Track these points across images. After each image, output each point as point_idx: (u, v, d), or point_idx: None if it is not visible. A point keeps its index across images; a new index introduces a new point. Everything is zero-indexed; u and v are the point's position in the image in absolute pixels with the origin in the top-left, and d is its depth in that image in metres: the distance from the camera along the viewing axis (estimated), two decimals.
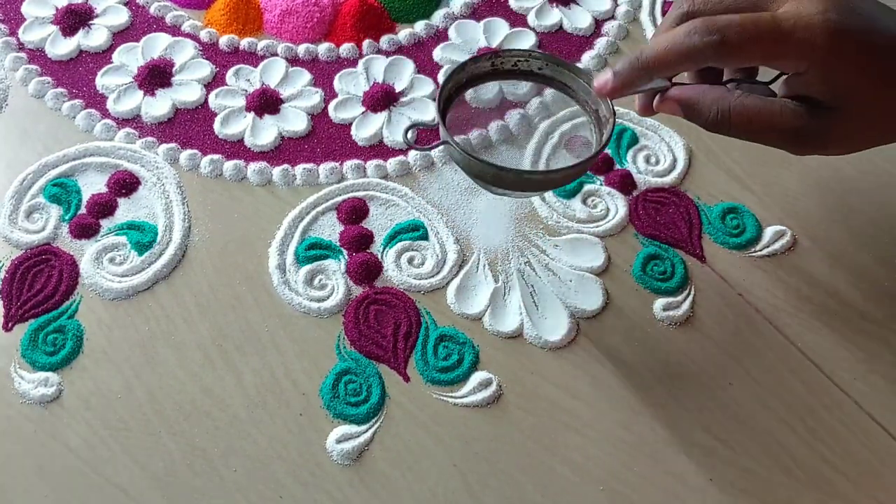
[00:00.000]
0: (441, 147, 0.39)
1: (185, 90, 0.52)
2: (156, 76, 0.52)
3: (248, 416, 0.40)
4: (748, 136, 0.36)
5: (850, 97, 0.34)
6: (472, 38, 0.55)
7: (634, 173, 0.49)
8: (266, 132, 0.50)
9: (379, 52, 0.55)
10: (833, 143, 0.36)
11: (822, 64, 0.33)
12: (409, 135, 0.38)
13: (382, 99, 0.51)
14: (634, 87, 0.36)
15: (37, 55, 0.53)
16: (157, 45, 0.54)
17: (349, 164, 0.49)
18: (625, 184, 0.48)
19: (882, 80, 0.34)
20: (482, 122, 0.51)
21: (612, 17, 0.57)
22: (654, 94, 0.38)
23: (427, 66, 0.54)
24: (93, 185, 0.47)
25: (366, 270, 0.44)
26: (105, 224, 0.46)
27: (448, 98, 0.39)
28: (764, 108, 0.35)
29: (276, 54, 0.54)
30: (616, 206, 0.47)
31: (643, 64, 0.35)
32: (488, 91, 0.51)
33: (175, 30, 0.55)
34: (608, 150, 0.50)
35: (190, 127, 0.50)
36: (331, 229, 0.46)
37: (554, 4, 0.57)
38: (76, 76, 0.52)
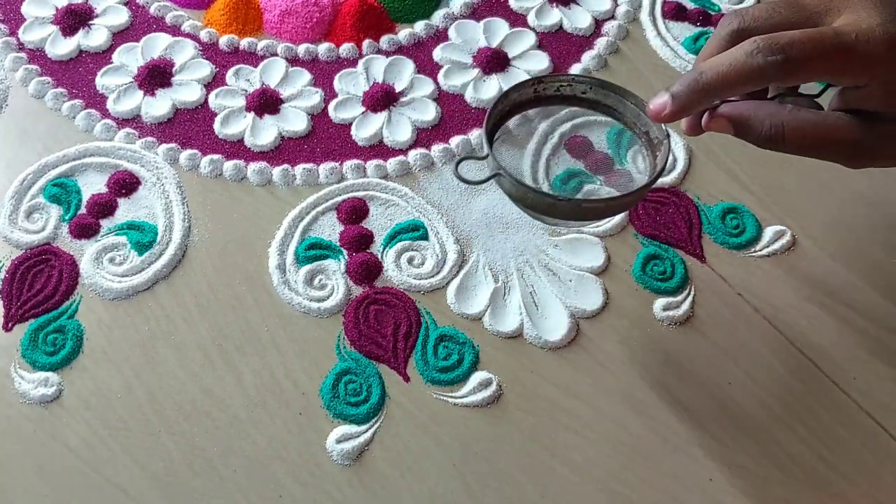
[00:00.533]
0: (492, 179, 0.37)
1: (185, 90, 0.52)
2: (156, 76, 0.52)
3: (247, 416, 0.40)
4: (802, 151, 0.36)
5: None
6: (471, 38, 0.55)
7: (634, 173, 0.49)
8: (266, 132, 0.50)
9: (379, 52, 0.55)
10: (890, 155, 0.35)
11: (885, 77, 0.33)
12: (460, 169, 0.36)
13: (382, 99, 0.51)
14: (694, 111, 0.35)
15: (37, 55, 0.53)
16: (157, 45, 0.54)
17: (349, 164, 0.49)
18: (625, 184, 0.48)
19: None
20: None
21: (612, 17, 0.57)
22: (703, 113, 0.36)
23: (427, 66, 0.54)
24: (93, 185, 0.48)
25: (366, 270, 0.45)
26: (105, 224, 0.46)
27: (493, 128, 0.38)
28: (819, 122, 0.35)
29: (276, 54, 0.54)
30: None
31: (704, 87, 0.34)
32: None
33: (175, 30, 0.55)
34: (608, 151, 0.50)
35: (190, 127, 0.50)
36: (331, 229, 0.46)
37: (554, 4, 0.57)
38: (76, 76, 0.52)
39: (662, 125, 0.36)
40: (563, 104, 0.40)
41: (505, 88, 0.39)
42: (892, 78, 0.33)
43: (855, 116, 0.35)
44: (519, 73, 0.54)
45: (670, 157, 0.49)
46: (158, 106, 0.51)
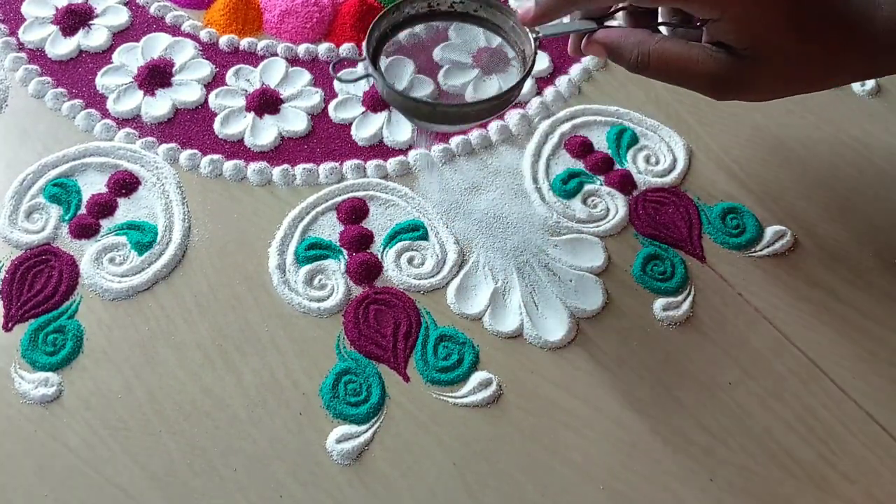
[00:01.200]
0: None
1: (185, 90, 0.52)
2: (156, 76, 0.52)
3: (248, 416, 0.40)
4: (668, 79, 0.37)
5: (765, 47, 0.35)
6: (471, 38, 0.55)
7: (634, 173, 0.49)
8: (266, 132, 0.50)
9: None
10: (749, 90, 0.37)
11: (736, 12, 0.34)
12: (340, 73, 0.40)
13: (382, 99, 0.51)
14: (556, 15, 0.38)
15: (37, 55, 0.53)
16: (157, 45, 0.54)
17: (349, 164, 0.49)
18: (625, 184, 0.48)
19: (797, 33, 0.34)
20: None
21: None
22: (583, 36, 0.39)
23: (427, 66, 0.54)
24: (93, 185, 0.47)
25: (366, 270, 0.45)
26: (105, 224, 0.46)
27: (381, 37, 0.41)
28: (682, 52, 0.36)
29: (275, 54, 0.54)
30: (616, 206, 0.47)
31: None
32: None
33: (175, 30, 0.55)
34: (608, 151, 0.50)
35: (190, 127, 0.50)
36: (331, 229, 0.46)
37: None
38: (76, 76, 0.52)
39: (534, 44, 0.39)
40: (455, 20, 0.42)
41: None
42: (744, 15, 0.34)
43: (720, 50, 0.36)
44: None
45: (669, 157, 0.49)
46: (158, 106, 0.51)
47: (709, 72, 0.36)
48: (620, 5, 0.39)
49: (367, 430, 0.40)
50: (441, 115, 0.39)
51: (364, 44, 0.39)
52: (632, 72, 0.38)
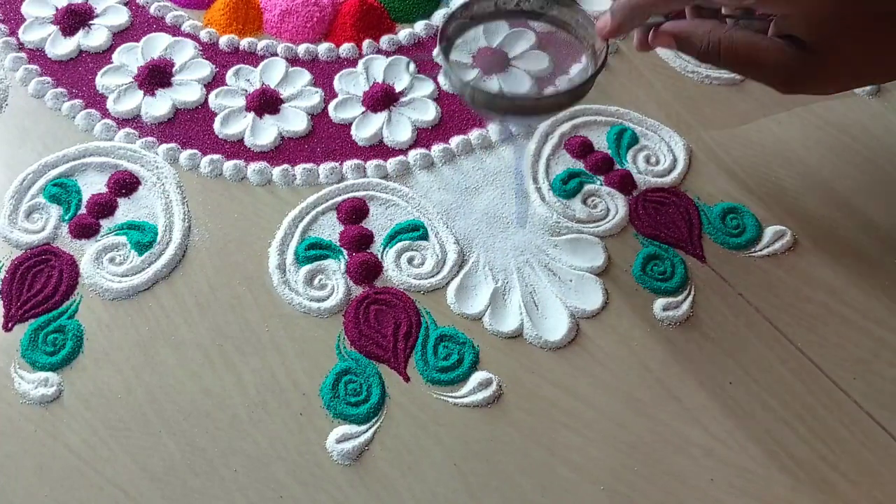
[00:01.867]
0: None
1: (185, 90, 0.52)
2: (156, 76, 0.52)
3: (248, 416, 0.40)
4: (736, 69, 0.38)
5: (833, 41, 0.35)
6: (471, 38, 0.55)
7: (634, 173, 0.49)
8: (266, 132, 0.50)
9: (379, 52, 0.55)
10: (817, 83, 0.37)
11: (806, 8, 0.35)
12: (411, 67, 0.41)
13: (382, 99, 0.52)
14: (631, 27, 0.38)
15: (37, 55, 0.53)
16: (157, 45, 0.54)
17: (349, 164, 0.49)
18: (625, 184, 0.48)
19: (864, 25, 0.35)
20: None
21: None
22: (650, 29, 0.39)
23: (427, 67, 0.54)
24: (93, 185, 0.47)
25: (366, 270, 0.45)
26: (105, 224, 0.46)
27: (451, 37, 0.41)
28: (752, 42, 0.37)
29: (276, 54, 0.54)
30: (616, 206, 0.47)
31: (634, 4, 0.37)
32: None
33: (175, 30, 0.55)
34: (608, 151, 0.50)
35: (190, 127, 0.50)
36: (331, 229, 0.46)
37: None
38: (76, 76, 0.52)
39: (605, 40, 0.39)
40: (522, 18, 0.43)
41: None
42: (812, 10, 0.35)
43: (789, 43, 0.36)
44: (519, 72, 0.54)
45: (669, 157, 0.49)
46: (158, 106, 0.51)
47: (778, 63, 0.36)
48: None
49: (367, 430, 0.40)
50: (517, 109, 0.39)
51: (439, 43, 0.40)
52: (702, 61, 0.38)
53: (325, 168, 0.49)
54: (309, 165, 0.49)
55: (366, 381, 0.41)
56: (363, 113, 0.51)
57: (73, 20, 0.54)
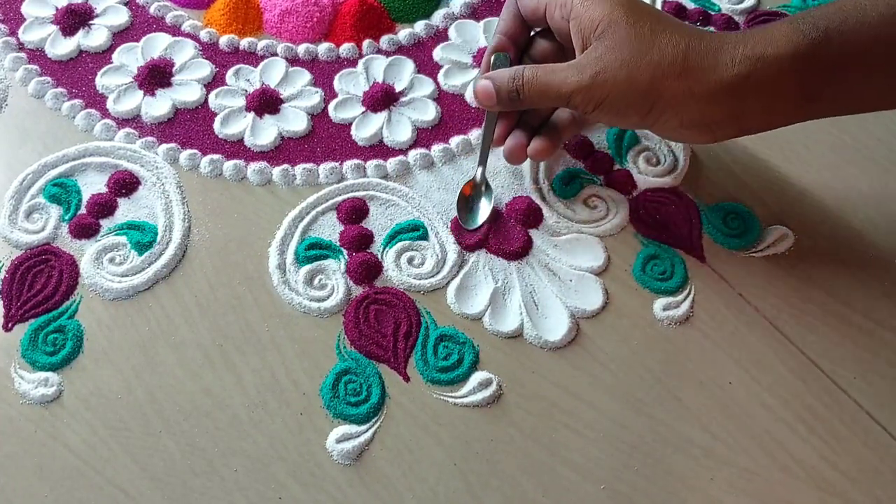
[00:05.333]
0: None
1: (185, 90, 0.52)
2: (156, 76, 0.52)
3: (248, 416, 0.40)
4: (538, 103, 0.43)
5: (603, 32, 0.40)
6: (471, 38, 0.55)
7: (635, 173, 0.49)
8: (266, 132, 0.50)
9: (379, 52, 0.55)
10: (604, 82, 0.40)
11: (576, 10, 0.41)
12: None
13: (382, 99, 0.52)
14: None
15: (37, 55, 0.53)
16: (157, 45, 0.54)
17: (349, 163, 0.49)
18: (625, 184, 0.48)
19: (627, 14, 0.39)
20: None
21: None
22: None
23: (427, 66, 0.54)
24: (93, 185, 0.47)
25: (366, 270, 0.44)
26: (105, 224, 0.46)
27: None
28: (548, 71, 0.41)
29: (275, 54, 0.54)
30: (616, 206, 0.47)
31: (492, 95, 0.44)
32: None
33: (175, 30, 0.55)
34: (608, 151, 0.50)
35: (190, 127, 0.50)
36: (331, 229, 0.46)
37: None
38: (76, 76, 0.52)
39: None
40: None
41: None
42: (579, 9, 0.41)
43: (577, 59, 0.41)
44: None
45: (669, 157, 0.49)
46: (158, 106, 0.51)
47: (567, 84, 0.40)
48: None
49: (367, 430, 0.40)
50: None
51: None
52: (507, 108, 0.44)
53: (325, 168, 0.49)
54: (309, 165, 0.49)
55: (366, 381, 0.41)
56: (363, 113, 0.51)
57: (73, 20, 0.54)
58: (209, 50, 0.54)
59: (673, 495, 0.39)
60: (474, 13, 0.57)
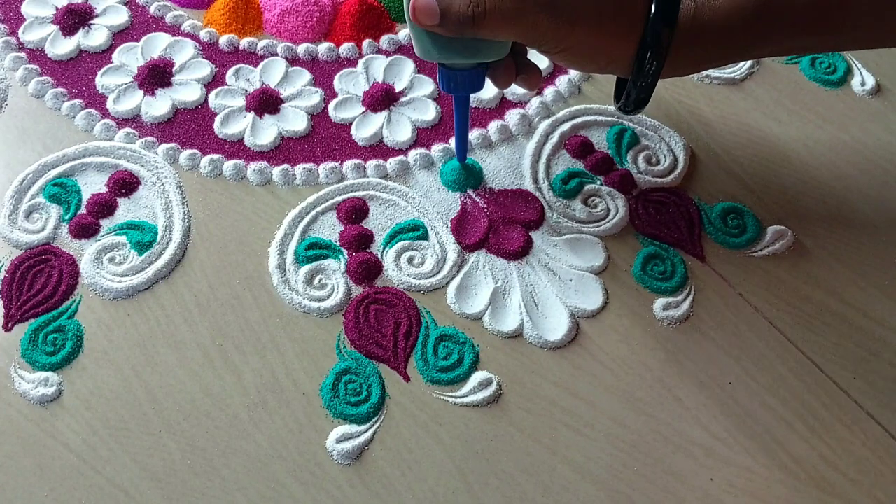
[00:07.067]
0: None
1: (185, 90, 0.52)
2: (156, 76, 0.52)
3: (248, 416, 0.40)
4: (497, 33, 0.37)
5: None
6: None
7: (634, 173, 0.49)
8: (266, 132, 0.50)
9: (379, 51, 0.55)
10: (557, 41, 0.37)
11: None
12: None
13: (382, 99, 0.52)
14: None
15: (37, 55, 0.53)
16: (156, 44, 0.54)
17: (349, 163, 0.49)
18: (625, 184, 0.48)
19: None
20: (482, 121, 0.51)
21: None
22: None
23: (427, 66, 0.54)
24: (93, 185, 0.47)
25: (366, 270, 0.45)
26: (105, 224, 0.46)
27: None
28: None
29: (275, 54, 0.54)
30: (616, 206, 0.47)
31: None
32: (488, 90, 0.51)
33: (175, 30, 0.55)
34: (608, 151, 0.50)
35: (190, 127, 0.50)
36: (331, 229, 0.46)
37: None
38: (76, 76, 0.52)
39: None
40: None
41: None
42: None
43: None
44: None
45: (670, 157, 0.49)
46: (158, 106, 0.51)
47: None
48: None
49: (367, 430, 0.40)
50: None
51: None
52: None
53: (325, 168, 0.49)
54: (309, 165, 0.49)
55: (366, 381, 0.41)
56: (363, 113, 0.51)
57: (73, 20, 0.54)
58: (209, 50, 0.54)
59: (673, 495, 0.39)
60: None
